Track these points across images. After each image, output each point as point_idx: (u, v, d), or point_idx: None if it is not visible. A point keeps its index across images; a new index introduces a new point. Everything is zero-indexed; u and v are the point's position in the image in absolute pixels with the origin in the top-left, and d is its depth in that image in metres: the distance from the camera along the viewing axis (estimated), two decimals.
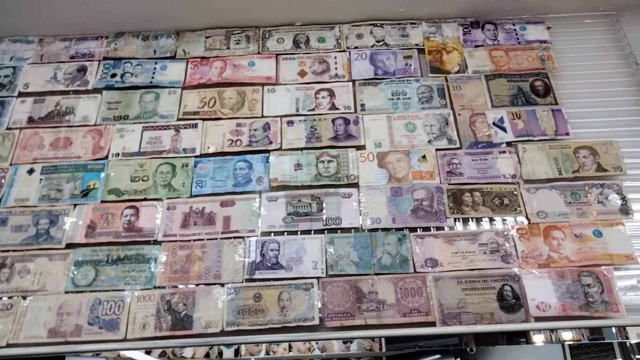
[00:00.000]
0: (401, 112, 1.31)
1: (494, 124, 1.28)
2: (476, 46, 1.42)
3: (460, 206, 1.17)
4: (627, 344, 1.84)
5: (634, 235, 1.13)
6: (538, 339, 1.82)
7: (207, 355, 1.76)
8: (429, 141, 1.26)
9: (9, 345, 1.05)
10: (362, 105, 1.33)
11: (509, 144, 1.25)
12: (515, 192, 1.18)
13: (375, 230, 1.15)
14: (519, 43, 1.41)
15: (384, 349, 1.90)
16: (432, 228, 1.15)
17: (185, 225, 1.17)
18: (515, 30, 1.44)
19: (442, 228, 1.15)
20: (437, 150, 1.25)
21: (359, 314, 1.05)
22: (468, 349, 1.90)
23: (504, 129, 1.27)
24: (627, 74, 1.36)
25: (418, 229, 1.15)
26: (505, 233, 1.13)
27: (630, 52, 1.38)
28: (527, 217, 1.15)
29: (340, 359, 1.90)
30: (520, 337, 1.80)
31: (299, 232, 1.16)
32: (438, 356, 1.96)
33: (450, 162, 1.23)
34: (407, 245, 1.12)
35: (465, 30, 1.44)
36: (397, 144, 1.26)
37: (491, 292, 1.06)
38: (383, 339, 1.91)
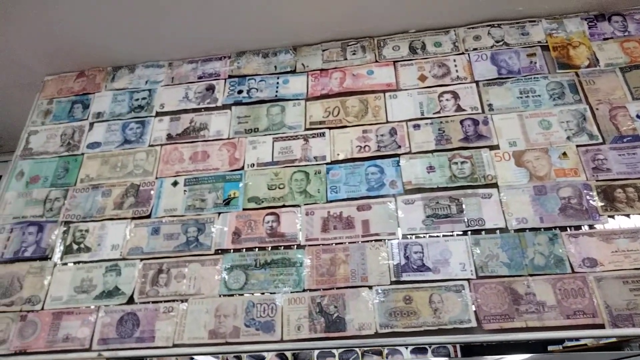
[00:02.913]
0: (533, 110, 1.28)
1: (637, 116, 1.22)
2: (605, 39, 1.36)
3: (613, 203, 1.11)
4: None
5: None
6: None
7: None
8: (568, 137, 1.22)
9: (174, 346, 1.11)
10: (490, 105, 1.31)
11: None
12: None
13: (523, 230, 1.12)
14: None
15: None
16: (583, 226, 1.10)
17: (325, 229, 1.20)
18: None
19: (594, 226, 1.10)
20: (577, 146, 1.20)
21: (518, 315, 1.02)
22: None
23: None
24: None
25: (569, 228, 1.10)
26: None
27: None
28: None
29: None
30: None
31: (441, 234, 1.15)
32: None
33: (595, 158, 1.17)
34: (560, 245, 1.08)
35: (590, 24, 1.39)
36: (533, 142, 1.23)
37: None
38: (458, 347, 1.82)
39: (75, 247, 1.29)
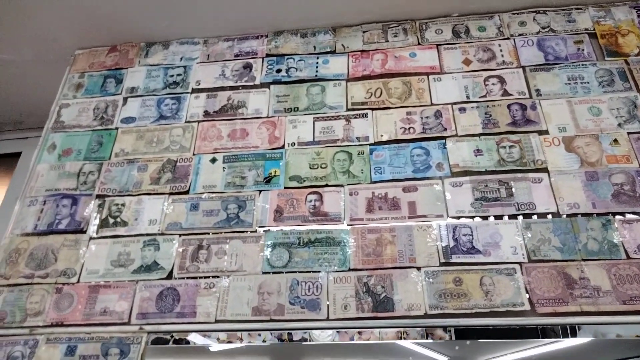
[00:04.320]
0: (582, 97, 1.26)
1: None
2: None
3: None
4: None
5: None
6: None
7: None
8: (619, 124, 1.20)
9: (217, 321, 1.09)
10: (537, 90, 1.29)
11: None
12: None
13: (575, 215, 1.10)
14: None
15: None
16: (638, 213, 1.08)
17: (370, 210, 1.18)
18: None
19: None
20: (629, 133, 1.18)
21: (572, 300, 1.00)
22: None
23: None
24: None
25: (623, 214, 1.08)
26: None
27: None
28: None
29: None
30: None
31: (491, 218, 1.13)
32: None
33: None
34: (613, 231, 1.06)
35: (639, 13, 1.38)
36: (583, 128, 1.21)
37: None
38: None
39: (111, 220, 1.26)
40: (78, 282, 1.19)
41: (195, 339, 1.09)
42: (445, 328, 1.01)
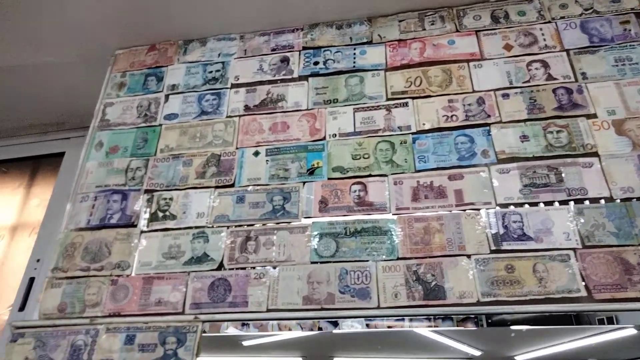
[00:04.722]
0: (631, 78, 1.23)
1: None
2: None
3: None
4: None
5: None
6: None
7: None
8: None
9: (269, 310, 1.11)
10: (583, 73, 1.27)
11: None
12: None
13: (629, 199, 1.07)
14: None
15: None
16: None
17: (415, 199, 1.18)
18: None
19: None
20: None
21: (631, 286, 0.98)
22: None
23: None
24: None
25: None
26: None
27: None
28: None
29: None
30: None
31: (541, 204, 1.11)
32: None
33: None
34: None
35: None
36: (633, 110, 1.18)
37: None
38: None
39: (160, 214, 1.30)
40: (132, 274, 1.23)
41: (246, 328, 1.11)
42: (499, 315, 1.00)
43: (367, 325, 1.06)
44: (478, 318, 1.02)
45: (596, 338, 1.43)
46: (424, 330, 1.42)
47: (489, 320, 1.01)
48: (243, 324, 1.11)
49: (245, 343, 1.53)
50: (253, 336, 1.22)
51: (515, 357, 1.83)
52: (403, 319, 1.05)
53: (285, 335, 1.19)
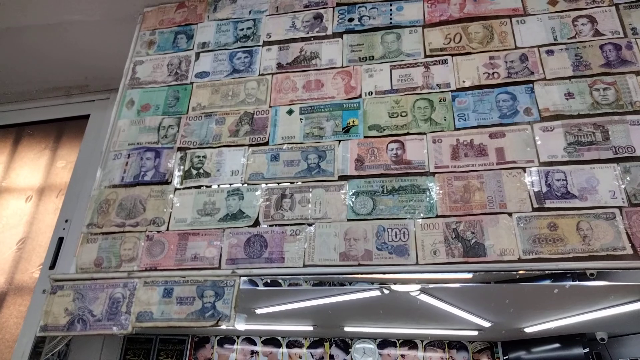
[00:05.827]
0: None
1: None
2: None
3: None
4: None
5: None
6: None
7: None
8: None
9: (305, 266, 1.11)
10: (633, 29, 1.21)
11: None
12: None
13: None
14: None
15: None
16: None
17: (455, 157, 1.16)
18: None
19: None
20: None
21: None
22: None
23: None
24: None
25: None
26: None
27: None
28: None
29: None
30: None
31: (586, 162, 1.08)
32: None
33: None
34: None
35: None
36: None
37: None
38: None
39: (194, 172, 1.30)
40: (167, 230, 1.23)
41: (284, 282, 1.12)
42: (542, 271, 0.99)
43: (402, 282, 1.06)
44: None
45: (604, 312, 1.42)
46: (435, 301, 1.41)
47: (526, 278, 1.00)
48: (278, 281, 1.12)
49: (259, 311, 1.54)
50: (287, 293, 1.22)
51: (525, 329, 1.83)
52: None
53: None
